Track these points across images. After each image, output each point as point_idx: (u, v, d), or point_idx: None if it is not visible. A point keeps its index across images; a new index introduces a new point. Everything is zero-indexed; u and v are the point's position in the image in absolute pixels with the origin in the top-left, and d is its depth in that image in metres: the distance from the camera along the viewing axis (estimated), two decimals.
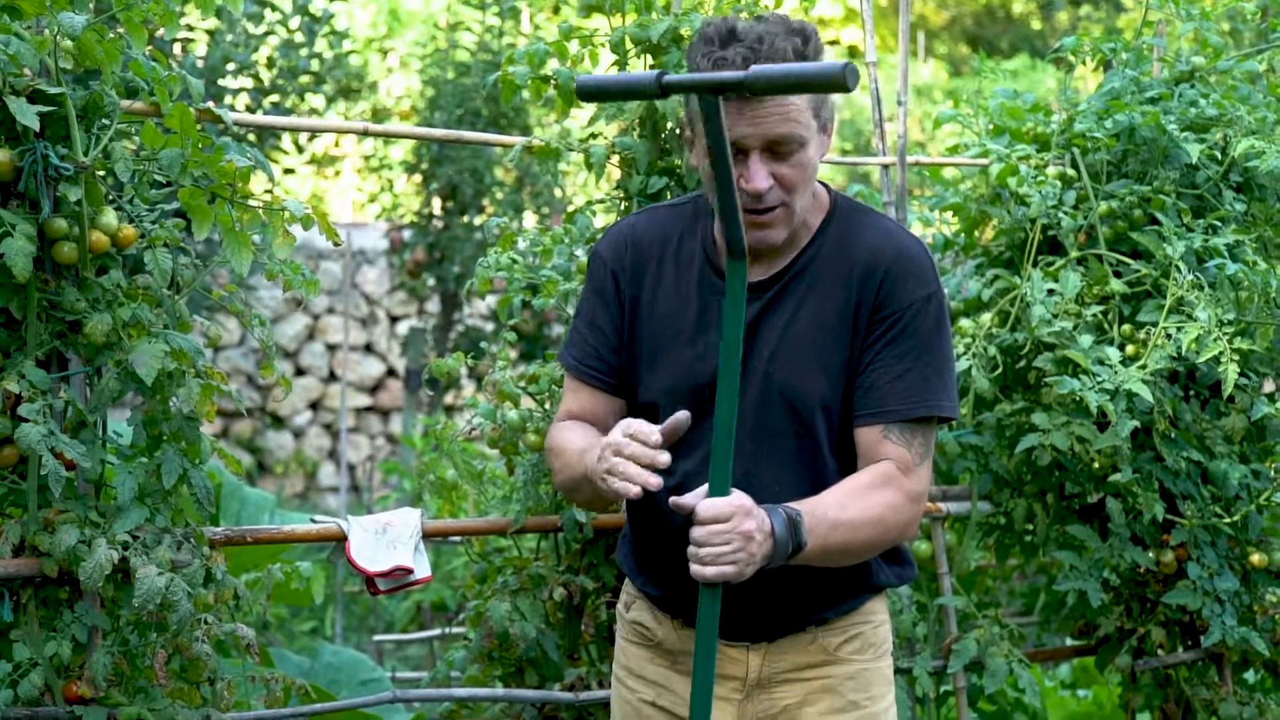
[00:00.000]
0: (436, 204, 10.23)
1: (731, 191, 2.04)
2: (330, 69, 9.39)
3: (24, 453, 2.49)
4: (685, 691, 2.49)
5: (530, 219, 9.80)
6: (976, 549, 4.26)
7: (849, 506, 2.30)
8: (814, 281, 2.42)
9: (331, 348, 12.02)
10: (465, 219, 9.98)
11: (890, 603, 3.62)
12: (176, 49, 8.03)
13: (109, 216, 2.68)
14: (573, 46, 3.31)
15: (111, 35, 2.65)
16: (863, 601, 2.54)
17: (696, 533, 2.13)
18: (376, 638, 5.51)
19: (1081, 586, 3.52)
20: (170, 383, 2.66)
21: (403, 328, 11.87)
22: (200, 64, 8.11)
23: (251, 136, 8.17)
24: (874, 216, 2.50)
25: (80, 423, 2.66)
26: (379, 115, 11.95)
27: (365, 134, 3.10)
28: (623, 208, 3.32)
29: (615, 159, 3.32)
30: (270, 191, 8.29)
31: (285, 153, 9.05)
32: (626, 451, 2.20)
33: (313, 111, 9.54)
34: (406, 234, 10.35)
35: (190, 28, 8.23)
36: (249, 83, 8.58)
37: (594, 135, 3.32)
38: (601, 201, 3.37)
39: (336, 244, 2.68)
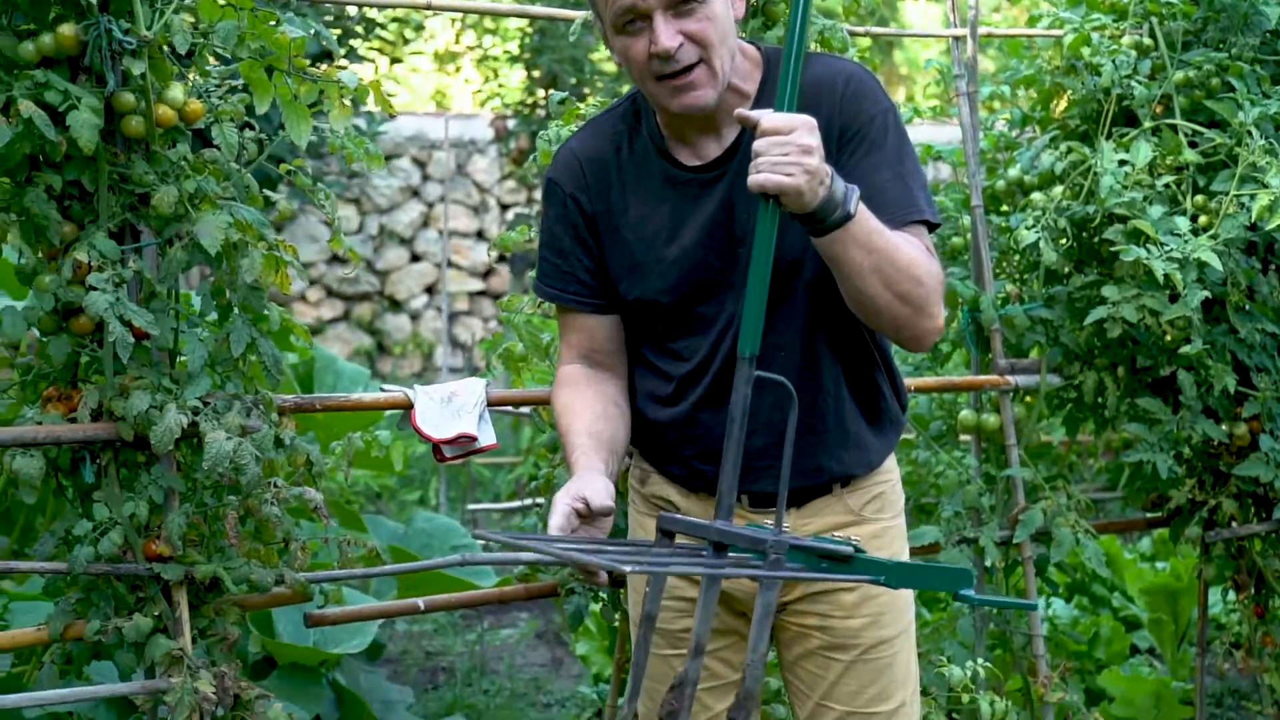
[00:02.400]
0: (540, 94, 10.33)
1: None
2: None
3: (92, 320, 2.57)
4: None
5: None
6: (1053, 426, 4.26)
7: (896, 234, 2.27)
8: None
9: (444, 234, 12.26)
10: (564, 108, 10.01)
11: (957, 473, 3.65)
12: None
13: (175, 90, 2.72)
14: None
15: None
16: (881, 460, 2.56)
17: (758, 143, 2.10)
18: (470, 506, 5.64)
19: (1151, 458, 3.51)
20: (235, 254, 2.72)
21: (511, 215, 12.08)
22: None
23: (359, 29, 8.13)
24: (815, 56, 2.47)
25: (151, 293, 2.73)
26: None
27: (429, 8, 3.11)
28: None
29: None
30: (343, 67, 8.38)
31: (393, 44, 9.05)
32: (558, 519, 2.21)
33: None
34: (511, 123, 10.46)
35: None
36: None
37: None
38: None
39: (391, 115, 2.71)
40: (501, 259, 11.92)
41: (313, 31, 2.67)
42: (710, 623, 2.13)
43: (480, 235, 12.41)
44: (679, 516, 2.17)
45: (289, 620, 4.00)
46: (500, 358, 3.27)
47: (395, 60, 9.98)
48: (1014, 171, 3.78)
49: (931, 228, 2.41)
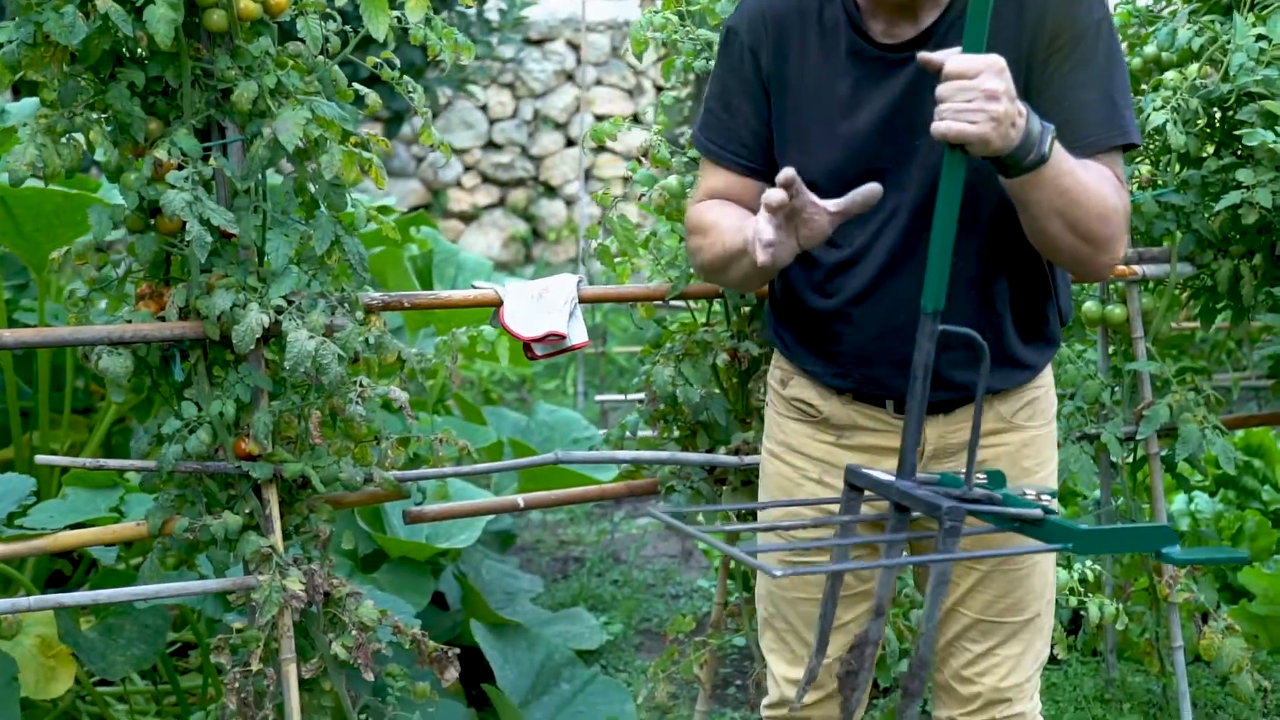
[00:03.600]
0: None
1: None
2: None
3: (169, 218, 2.56)
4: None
5: None
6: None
7: (1087, 172, 2.17)
8: None
9: (600, 118, 12.19)
10: None
11: (1078, 367, 3.50)
12: None
13: None
14: None
15: None
16: (1034, 376, 2.45)
17: (941, 88, 2.01)
18: (599, 398, 5.63)
19: None
20: (317, 150, 2.69)
21: (668, 98, 11.95)
22: None
23: None
24: None
25: (235, 190, 2.72)
26: None
27: None
28: None
29: None
30: None
31: None
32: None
33: None
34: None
35: None
36: None
37: None
38: None
39: (470, 4, 2.63)
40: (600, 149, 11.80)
41: None
42: (892, 586, 2.07)
43: (636, 119, 12.31)
44: (865, 471, 2.08)
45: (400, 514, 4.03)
46: (598, 254, 3.19)
47: None
48: (1150, 48, 3.56)
49: (1130, 147, 2.31)
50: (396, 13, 2.77)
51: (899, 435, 2.37)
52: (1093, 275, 2.35)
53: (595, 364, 8.00)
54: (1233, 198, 3.17)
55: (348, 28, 2.87)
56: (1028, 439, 2.46)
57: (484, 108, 12.04)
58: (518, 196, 12.15)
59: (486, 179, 12.15)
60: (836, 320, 2.39)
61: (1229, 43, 3.15)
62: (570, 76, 12.25)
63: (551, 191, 12.26)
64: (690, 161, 3.18)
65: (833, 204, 2.09)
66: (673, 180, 3.12)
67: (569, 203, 12.24)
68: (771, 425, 2.61)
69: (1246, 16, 3.21)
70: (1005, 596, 2.47)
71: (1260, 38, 3.13)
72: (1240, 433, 5.12)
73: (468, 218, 12.08)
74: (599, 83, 12.23)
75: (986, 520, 1.93)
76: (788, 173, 2.05)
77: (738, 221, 2.31)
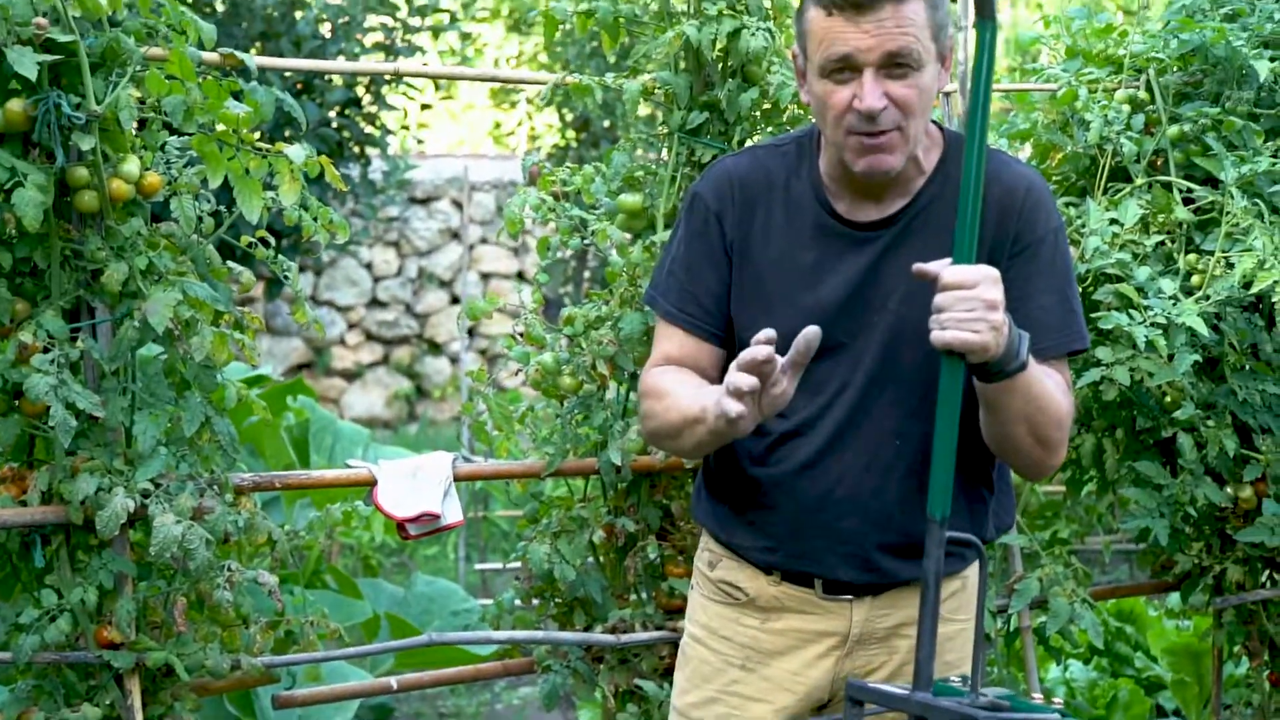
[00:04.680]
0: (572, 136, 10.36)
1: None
2: (466, 4, 9.42)
3: (34, 402, 2.52)
4: (774, 650, 2.42)
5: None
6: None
7: (1048, 379, 2.22)
8: (939, 219, 2.31)
9: (485, 276, 12.28)
10: (598, 150, 10.07)
11: None
12: None
13: (131, 164, 2.68)
14: None
15: None
16: (963, 568, 2.46)
17: (940, 298, 2.04)
18: (479, 566, 5.57)
19: (1150, 524, 3.39)
20: (188, 331, 2.67)
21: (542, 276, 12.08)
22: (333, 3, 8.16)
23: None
24: (992, 150, 2.38)
25: (103, 372, 2.69)
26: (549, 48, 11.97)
27: (396, 74, 3.06)
28: (662, 146, 3.24)
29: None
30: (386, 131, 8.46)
31: (421, 90, 9.07)
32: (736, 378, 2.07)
33: (466, 40, 9.60)
34: (545, 165, 10.48)
35: None
36: (388, 21, 8.59)
37: (634, 71, 3.25)
38: (644, 138, 3.30)
39: (342, 190, 2.66)
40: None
41: (247, 109, 2.62)
42: None
43: (520, 276, 12.43)
44: (870, 685, 2.07)
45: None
46: (472, 429, 3.19)
47: (448, 97, 10.01)
48: None
49: (1081, 351, 2.39)
50: (271, 194, 2.78)
51: (826, 618, 2.39)
52: (1036, 475, 2.37)
53: (477, 528, 7.93)
54: (1092, 375, 3.26)
55: (221, 208, 2.87)
56: (952, 632, 2.42)
57: (368, 265, 12.08)
58: (401, 354, 12.14)
59: (370, 336, 12.15)
60: (774, 490, 2.38)
61: (1084, 226, 3.26)
62: (455, 235, 12.36)
63: (436, 349, 12.28)
64: (566, 339, 3.21)
65: (782, 360, 2.10)
66: (548, 357, 3.14)
67: (454, 360, 12.25)
68: (695, 608, 2.56)
69: (1100, 200, 3.33)
70: None
71: (1113, 221, 3.24)
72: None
73: (351, 375, 12.03)
74: (484, 241, 12.34)
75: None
76: (762, 350, 2.05)
77: (693, 390, 2.29)
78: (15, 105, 2.59)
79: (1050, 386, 2.22)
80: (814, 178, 2.37)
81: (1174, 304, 3.05)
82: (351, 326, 12.03)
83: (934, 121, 2.39)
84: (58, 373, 2.54)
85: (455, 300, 12.23)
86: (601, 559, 3.27)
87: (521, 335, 3.18)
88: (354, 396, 11.92)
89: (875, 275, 2.31)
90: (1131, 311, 3.06)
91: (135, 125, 2.63)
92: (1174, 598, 5.65)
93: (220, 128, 2.68)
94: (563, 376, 3.12)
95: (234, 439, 2.76)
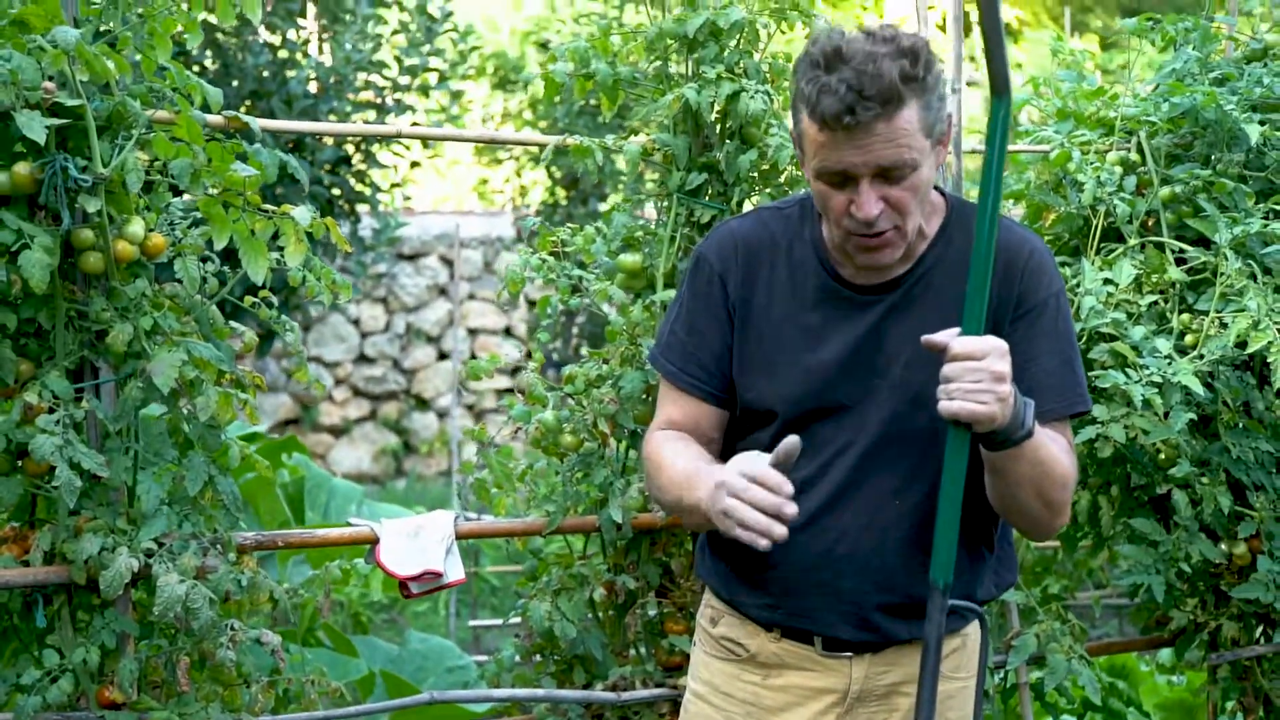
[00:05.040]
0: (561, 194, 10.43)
1: (997, 20, 1.94)
2: (455, 64, 9.49)
3: (39, 462, 2.53)
4: (776, 706, 2.43)
5: (650, 209, 9.86)
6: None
7: (1053, 443, 2.25)
8: (941, 284, 2.33)
9: (473, 332, 12.32)
10: (586, 207, 10.12)
11: None
12: (312, 48, 8.19)
13: (136, 225, 2.70)
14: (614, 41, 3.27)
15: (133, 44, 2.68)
16: (963, 626, 2.46)
17: (948, 368, 2.06)
18: (471, 623, 5.55)
19: (1145, 580, 3.41)
20: (192, 391, 2.68)
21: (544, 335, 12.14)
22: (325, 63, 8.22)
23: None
24: None
25: (106, 432, 2.70)
26: (535, 107, 12.06)
27: (398, 136, 3.09)
28: (663, 205, 3.27)
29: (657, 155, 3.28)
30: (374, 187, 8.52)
31: (408, 148, 9.12)
32: (747, 496, 2.10)
33: (455, 98, 9.66)
34: (534, 222, 10.55)
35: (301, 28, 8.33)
36: (378, 80, 8.65)
37: (632, 132, 3.29)
38: (640, 199, 3.33)
39: (347, 252, 2.68)
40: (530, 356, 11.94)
41: (254, 172, 2.65)
42: None
43: (508, 332, 12.46)
44: None
45: None
46: (473, 487, 3.21)
47: (429, 149, 10.08)
48: None
49: (1084, 414, 2.41)
50: (276, 254, 2.80)
51: (826, 675, 2.39)
52: (1043, 536, 2.39)
53: (468, 584, 7.91)
54: (1088, 433, 3.29)
55: (225, 268, 2.89)
56: (953, 690, 2.43)
57: (356, 322, 12.10)
58: (389, 410, 12.15)
59: (358, 392, 12.15)
60: (775, 548, 2.34)
61: (1079, 285, 3.30)
62: (443, 291, 12.39)
63: (423, 405, 12.28)
64: (565, 395, 3.23)
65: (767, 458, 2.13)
66: (549, 415, 3.16)
67: (441, 415, 12.25)
68: (698, 665, 2.56)
69: (1094, 261, 3.37)
70: None
71: (1108, 281, 3.28)
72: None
73: (338, 431, 12.03)
74: (472, 297, 12.37)
75: None
76: (783, 467, 2.09)
77: (692, 469, 2.29)
78: (22, 168, 2.61)
79: (1055, 450, 2.24)
80: (817, 240, 2.39)
81: (1169, 363, 3.09)
82: (339, 382, 12.04)
83: (935, 187, 2.40)
84: (63, 433, 2.55)
85: (443, 356, 12.26)
86: (601, 616, 3.28)
87: (522, 393, 3.20)
88: (341, 452, 11.91)
89: (878, 339, 2.32)
90: (1128, 370, 3.09)
91: (141, 187, 2.65)
92: (1166, 653, 5.68)
93: (225, 189, 2.70)
94: (564, 434, 3.14)
95: (237, 498, 2.77)
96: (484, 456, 3.19)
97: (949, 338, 2.09)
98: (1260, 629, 3.71)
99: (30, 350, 2.71)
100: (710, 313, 2.41)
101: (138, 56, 2.74)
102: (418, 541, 2.96)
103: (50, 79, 2.63)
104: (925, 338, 2.12)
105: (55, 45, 2.49)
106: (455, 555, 2.99)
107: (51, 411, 2.59)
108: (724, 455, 2.39)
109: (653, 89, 3.28)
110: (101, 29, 2.74)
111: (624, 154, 3.17)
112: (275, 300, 2.94)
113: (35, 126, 2.48)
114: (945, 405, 2.06)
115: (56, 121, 2.58)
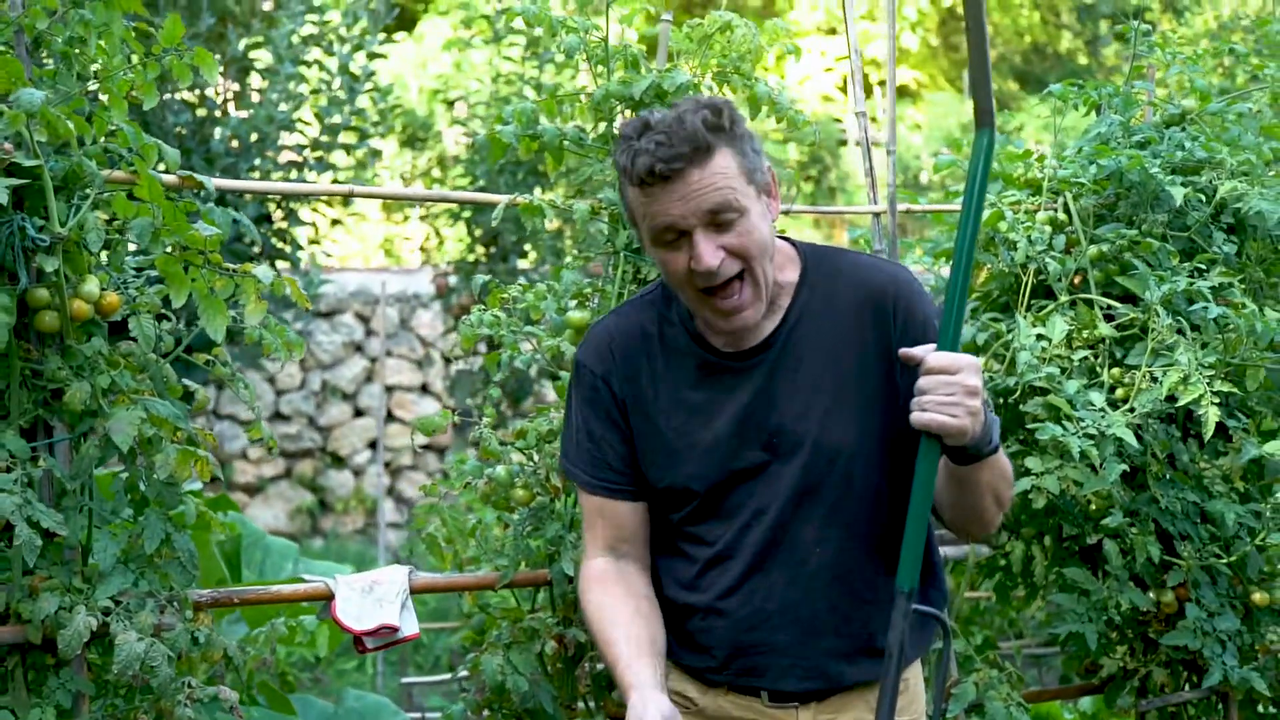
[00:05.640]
0: (480, 251, 10.44)
1: (985, 54, 2.01)
2: (376, 123, 9.53)
3: None
4: None
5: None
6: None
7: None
8: (816, 331, 2.39)
9: (389, 389, 12.28)
10: (506, 264, 10.14)
11: None
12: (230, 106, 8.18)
13: (91, 284, 2.71)
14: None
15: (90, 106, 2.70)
16: (906, 665, 2.48)
17: (923, 381, 2.13)
18: (404, 680, 5.53)
19: (1079, 629, 3.49)
20: (150, 449, 2.69)
21: (454, 370, 12.13)
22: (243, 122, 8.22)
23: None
24: (848, 254, 2.49)
25: (63, 490, 2.69)
26: (444, 164, 12.11)
27: (350, 195, 3.13)
28: (610, 263, 3.34)
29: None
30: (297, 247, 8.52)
31: (330, 204, 9.13)
32: None
33: (375, 155, 9.70)
34: (452, 279, 10.58)
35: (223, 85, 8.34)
36: (298, 139, 8.67)
37: (579, 192, 3.35)
38: (588, 257, 3.39)
39: (306, 309, 2.71)
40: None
41: (217, 229, 2.67)
42: None
43: (424, 389, 12.44)
44: None
45: None
46: (424, 542, 3.23)
47: (349, 207, 10.07)
48: None
49: None
50: (233, 312, 2.82)
51: None
52: (983, 533, 2.46)
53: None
54: (1024, 484, 3.38)
55: (181, 326, 2.91)
56: None
57: (271, 379, 12.02)
58: (304, 467, 12.06)
59: (272, 450, 12.03)
60: (709, 614, 2.44)
61: (1012, 340, 3.40)
62: (359, 348, 12.35)
63: (340, 462, 12.21)
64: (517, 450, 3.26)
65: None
66: (501, 470, 3.19)
67: (357, 473, 12.18)
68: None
69: (1026, 316, 3.48)
70: None
71: (1040, 337, 3.39)
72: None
73: (253, 490, 11.92)
74: (389, 354, 12.34)
75: None
76: None
77: (623, 655, 2.34)
78: None
79: (1008, 468, 2.34)
80: (685, 319, 2.44)
81: (1103, 416, 3.19)
82: (253, 441, 11.91)
83: (783, 237, 2.47)
84: (22, 491, 2.55)
85: (359, 413, 12.20)
86: (551, 670, 3.30)
87: (475, 447, 3.23)
88: (256, 510, 11.80)
89: (767, 398, 2.38)
90: (1064, 423, 3.19)
91: (101, 247, 2.66)
92: (1087, 701, 5.79)
93: (185, 249, 2.72)
94: (515, 489, 3.17)
95: (193, 555, 2.77)
96: (438, 512, 3.21)
97: (925, 351, 2.16)
98: (1187, 675, 3.81)
99: None
100: (603, 418, 2.47)
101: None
102: (373, 596, 2.98)
103: (7, 140, 2.64)
104: (904, 351, 2.20)
105: (19, 106, 2.50)
106: (410, 610, 3.01)
107: (9, 471, 2.58)
108: (656, 530, 2.49)
109: (598, 149, 3.35)
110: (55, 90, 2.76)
111: (575, 212, 3.22)
112: (229, 359, 2.96)
113: None
114: (918, 416, 2.13)
115: (14, 182, 2.59)
